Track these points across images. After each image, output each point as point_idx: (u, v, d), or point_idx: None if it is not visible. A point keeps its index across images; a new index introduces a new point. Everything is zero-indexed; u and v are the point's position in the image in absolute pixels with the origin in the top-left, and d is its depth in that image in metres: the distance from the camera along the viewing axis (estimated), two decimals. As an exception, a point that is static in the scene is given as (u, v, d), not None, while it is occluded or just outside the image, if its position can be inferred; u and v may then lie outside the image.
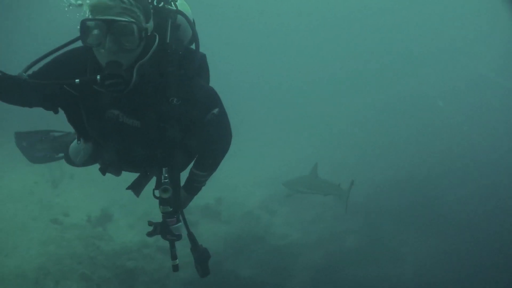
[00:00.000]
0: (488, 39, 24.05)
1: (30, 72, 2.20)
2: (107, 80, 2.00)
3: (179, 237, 2.41)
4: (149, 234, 2.44)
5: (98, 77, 1.99)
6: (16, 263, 5.72)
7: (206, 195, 9.57)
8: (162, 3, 2.26)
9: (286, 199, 8.32)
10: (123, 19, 1.98)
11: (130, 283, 5.97)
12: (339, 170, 12.57)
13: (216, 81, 2.72)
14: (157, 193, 2.38)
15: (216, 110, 2.39)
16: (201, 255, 2.52)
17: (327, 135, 17.45)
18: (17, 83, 2.13)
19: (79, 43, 2.23)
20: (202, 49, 2.44)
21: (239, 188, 10.11)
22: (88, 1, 2.01)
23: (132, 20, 2.00)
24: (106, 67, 2.03)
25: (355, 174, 12.49)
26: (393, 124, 17.17)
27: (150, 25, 2.11)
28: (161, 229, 2.40)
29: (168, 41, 2.23)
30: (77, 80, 2.03)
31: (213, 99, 2.40)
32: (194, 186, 2.67)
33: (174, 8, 2.34)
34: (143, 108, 2.25)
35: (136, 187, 2.69)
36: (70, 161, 3.05)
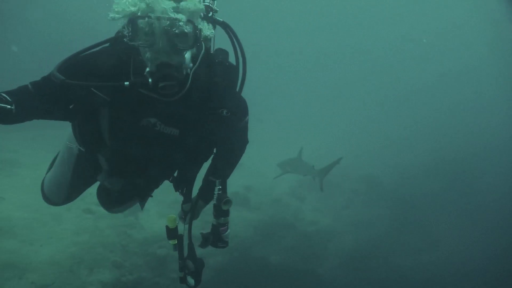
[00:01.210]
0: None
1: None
2: (160, 81, 1.90)
3: (227, 244, 2.38)
4: (203, 246, 2.38)
5: (150, 79, 1.89)
6: (51, 252, 5.87)
7: (235, 183, 9.64)
8: (211, 13, 2.18)
9: (314, 185, 8.26)
10: (180, 17, 1.87)
11: (161, 270, 6.05)
12: (366, 155, 12.41)
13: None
14: (185, 207, 2.42)
15: (247, 118, 2.37)
16: (198, 265, 2.43)
17: (353, 122, 17.24)
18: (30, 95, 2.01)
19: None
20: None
21: (268, 175, 10.06)
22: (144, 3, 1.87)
23: (188, 19, 1.90)
24: (158, 69, 1.91)
25: (383, 159, 12.33)
26: (419, 109, 16.80)
27: (204, 26, 2.01)
28: (214, 238, 2.35)
29: (212, 51, 2.18)
30: (126, 83, 1.92)
31: (247, 107, 2.35)
32: (211, 194, 2.52)
33: (221, 19, 2.23)
34: (187, 117, 2.15)
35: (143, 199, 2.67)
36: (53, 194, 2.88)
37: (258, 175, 9.88)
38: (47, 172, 2.91)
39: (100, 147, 2.30)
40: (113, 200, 2.62)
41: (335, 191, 10.37)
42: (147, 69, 1.95)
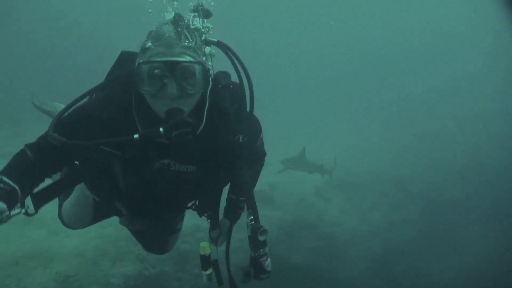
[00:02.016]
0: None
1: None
2: (174, 130, 1.76)
3: (270, 273, 2.18)
4: (244, 281, 2.21)
5: (161, 128, 1.75)
6: (76, 243, 5.99)
7: (259, 181, 9.62)
8: (204, 36, 2.02)
9: (338, 186, 8.22)
10: (187, 60, 1.76)
11: (183, 265, 6.07)
12: (398, 156, 12.17)
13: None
14: (213, 233, 2.34)
15: (262, 134, 2.30)
16: None
17: (384, 121, 17.00)
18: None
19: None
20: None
21: (293, 174, 9.98)
22: (152, 43, 1.76)
23: (197, 60, 1.78)
24: (167, 115, 1.78)
25: (412, 161, 12.05)
26: (452, 109, 16.41)
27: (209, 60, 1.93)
28: (255, 271, 2.16)
29: (213, 75, 2.04)
30: (136, 136, 1.78)
31: (260, 124, 2.25)
32: (237, 213, 2.48)
33: (215, 40, 2.09)
34: (202, 152, 2.03)
35: (171, 233, 2.64)
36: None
37: (283, 174, 9.80)
38: (63, 200, 2.85)
39: (115, 197, 2.21)
40: (148, 244, 2.56)
41: (362, 193, 10.20)
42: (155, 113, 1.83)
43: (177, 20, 1.86)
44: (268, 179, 9.63)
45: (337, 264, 6.83)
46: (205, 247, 2.18)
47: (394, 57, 27.03)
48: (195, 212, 2.42)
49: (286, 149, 9.84)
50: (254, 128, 2.19)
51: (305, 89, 24.78)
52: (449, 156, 12.26)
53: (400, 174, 11.04)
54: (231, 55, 2.12)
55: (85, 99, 2.12)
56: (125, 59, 2.24)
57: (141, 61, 1.78)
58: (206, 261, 2.20)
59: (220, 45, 2.09)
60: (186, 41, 1.79)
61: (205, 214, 2.41)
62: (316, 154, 10.17)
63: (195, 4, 2.10)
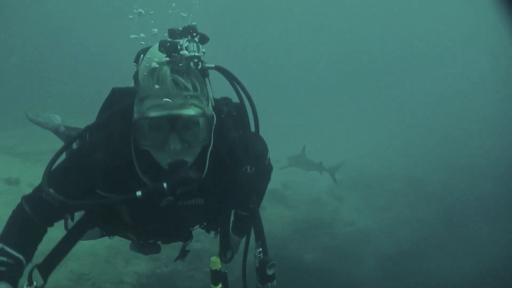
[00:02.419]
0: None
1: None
2: (178, 188, 1.69)
3: None
4: None
5: (165, 184, 1.67)
6: (90, 242, 6.04)
7: (273, 180, 9.59)
8: (200, 65, 1.92)
9: (351, 186, 8.17)
10: (191, 113, 1.64)
11: (196, 264, 6.07)
12: (411, 156, 12.05)
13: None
14: (227, 254, 2.30)
15: (268, 154, 2.21)
16: None
17: (399, 120, 16.87)
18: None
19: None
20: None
21: (307, 173, 9.93)
22: (146, 93, 1.64)
23: (200, 112, 1.67)
24: (170, 169, 1.69)
25: (429, 160, 11.90)
26: (470, 107, 16.19)
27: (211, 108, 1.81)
28: None
29: (213, 104, 1.92)
30: (139, 193, 1.70)
31: (266, 145, 2.15)
32: (245, 227, 2.44)
33: (212, 65, 2.01)
34: (210, 186, 1.94)
35: (183, 255, 2.58)
36: None
37: (297, 173, 9.76)
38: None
39: (121, 231, 2.20)
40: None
41: (376, 192, 10.11)
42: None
43: (175, 62, 1.75)
44: (281, 178, 9.61)
45: (350, 263, 6.77)
46: (216, 262, 2.16)
47: (406, 56, 26.83)
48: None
49: (297, 148, 9.85)
50: (261, 150, 2.11)
51: (316, 88, 24.69)
52: (463, 156, 12.10)
53: (413, 174, 10.92)
54: (232, 79, 2.06)
55: (77, 142, 2.05)
56: (117, 97, 2.13)
57: (139, 116, 1.66)
58: (217, 276, 2.18)
59: (218, 69, 2.03)
60: (187, 89, 1.65)
61: (213, 232, 2.38)
62: (327, 154, 10.13)
63: (186, 26, 2.00)
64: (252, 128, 2.11)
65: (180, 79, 1.65)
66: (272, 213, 8.14)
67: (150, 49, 2.30)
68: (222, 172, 1.96)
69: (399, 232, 7.75)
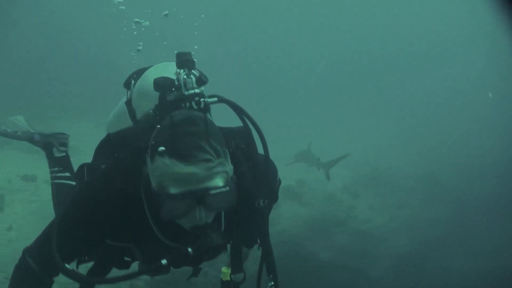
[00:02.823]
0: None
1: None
2: (204, 254, 1.63)
3: None
4: None
5: (190, 249, 1.59)
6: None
7: (288, 177, 9.55)
8: (203, 102, 1.86)
9: (367, 183, 8.11)
10: (218, 184, 1.55)
11: (211, 261, 6.08)
12: (427, 153, 11.89)
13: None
14: (237, 277, 2.19)
15: (278, 175, 2.15)
16: None
17: (411, 119, 16.70)
18: None
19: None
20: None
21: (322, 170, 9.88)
22: (174, 171, 1.51)
23: (227, 178, 1.59)
24: (194, 232, 1.62)
25: (445, 158, 11.73)
26: (483, 106, 15.94)
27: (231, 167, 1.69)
28: None
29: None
30: (164, 262, 1.61)
31: (275, 167, 2.09)
32: (254, 239, 2.32)
33: (215, 98, 1.92)
34: (227, 232, 1.86)
35: (196, 273, 2.50)
36: None
37: (312, 170, 9.71)
38: None
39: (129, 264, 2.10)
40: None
41: (391, 190, 10.00)
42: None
43: (195, 122, 1.61)
44: (295, 175, 9.57)
45: (366, 261, 6.72)
46: (227, 273, 2.13)
47: (418, 53, 26.52)
48: None
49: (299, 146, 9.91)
50: (275, 177, 2.05)
51: (316, 88, 24.55)
52: (480, 154, 11.91)
53: (429, 171, 10.77)
54: (234, 108, 1.95)
55: (78, 192, 1.90)
56: (115, 145, 1.99)
57: (159, 190, 1.55)
58: (226, 286, 2.15)
59: (221, 101, 1.93)
60: (211, 160, 1.54)
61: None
62: (341, 151, 10.06)
63: (181, 54, 1.90)
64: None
65: (202, 146, 1.54)
66: (287, 210, 8.11)
67: (143, 77, 2.21)
68: (237, 213, 1.86)
69: (413, 230, 7.67)
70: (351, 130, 15.54)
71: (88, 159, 2.17)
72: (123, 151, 1.84)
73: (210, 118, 1.83)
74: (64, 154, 3.34)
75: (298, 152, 9.69)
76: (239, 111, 1.94)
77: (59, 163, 3.30)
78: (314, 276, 6.04)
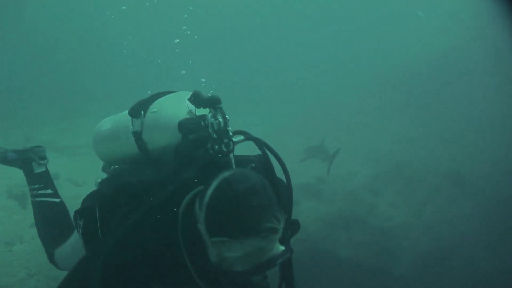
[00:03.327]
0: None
1: None
2: None
3: None
4: None
5: None
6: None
7: (307, 173, 9.45)
8: (232, 145, 1.88)
9: (388, 179, 7.98)
10: (283, 255, 1.55)
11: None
12: (452, 148, 11.61)
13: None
14: None
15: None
16: None
17: (434, 114, 16.34)
18: None
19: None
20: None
21: (342, 166, 9.74)
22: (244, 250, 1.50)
23: (287, 249, 1.59)
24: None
25: (471, 153, 11.43)
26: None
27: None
28: None
29: None
30: None
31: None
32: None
33: (242, 137, 1.94)
34: None
35: None
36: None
37: (332, 166, 9.58)
38: (58, 245, 2.76)
39: None
40: None
41: (414, 186, 9.79)
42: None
43: (257, 192, 1.58)
44: (315, 172, 9.46)
45: (386, 259, 6.61)
46: None
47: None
48: None
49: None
50: (290, 196, 2.03)
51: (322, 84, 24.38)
52: (507, 149, 11.58)
53: (454, 167, 10.50)
54: (261, 145, 1.97)
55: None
56: (141, 195, 2.00)
57: (225, 266, 1.51)
58: None
59: (248, 139, 1.95)
60: (275, 223, 1.54)
61: None
62: (366, 145, 9.92)
63: (210, 97, 1.90)
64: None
65: (269, 218, 1.53)
66: (306, 208, 8.02)
67: (159, 111, 2.19)
68: None
69: (439, 228, 7.48)
70: (370, 124, 15.33)
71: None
72: (156, 208, 1.81)
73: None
74: (44, 169, 3.24)
75: (309, 147, 9.68)
76: (264, 146, 1.96)
77: (40, 179, 3.19)
78: (334, 274, 5.97)
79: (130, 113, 2.30)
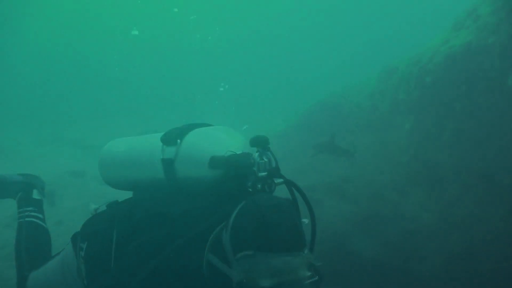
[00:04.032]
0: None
1: None
2: None
3: None
4: None
5: None
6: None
7: (331, 173, 9.33)
8: (274, 186, 1.98)
9: (415, 179, 7.77)
10: (311, 278, 1.58)
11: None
12: (482, 147, 11.26)
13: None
14: None
15: None
16: None
17: (459, 110, 15.88)
18: None
19: None
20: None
21: (368, 165, 9.58)
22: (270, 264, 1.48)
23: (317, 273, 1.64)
24: None
25: (501, 152, 11.09)
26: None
27: None
28: None
29: None
30: None
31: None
32: None
33: (281, 180, 2.04)
34: None
35: None
36: None
37: (357, 165, 9.45)
38: (35, 268, 2.73)
39: None
40: None
41: (442, 186, 9.55)
42: None
43: (283, 210, 1.63)
44: (339, 171, 9.34)
45: (414, 260, 6.45)
46: None
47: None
48: None
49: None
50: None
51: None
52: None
53: (484, 166, 10.17)
54: (299, 191, 2.02)
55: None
56: (180, 224, 2.02)
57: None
58: None
59: (286, 183, 2.02)
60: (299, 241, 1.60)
61: None
62: (389, 144, 9.72)
63: (257, 138, 1.99)
64: None
65: (293, 235, 1.58)
66: (330, 207, 7.93)
67: (196, 145, 2.20)
68: None
69: (468, 229, 7.24)
70: (387, 121, 15.04)
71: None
72: (193, 239, 1.83)
73: None
74: (41, 198, 3.28)
75: (317, 144, 9.79)
76: (296, 189, 2.00)
77: (36, 204, 3.23)
78: (358, 275, 5.85)
79: (163, 140, 2.28)
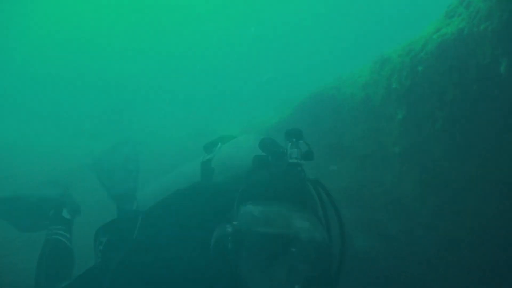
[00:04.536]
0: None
1: None
2: None
3: None
4: None
5: None
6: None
7: (345, 178, 9.18)
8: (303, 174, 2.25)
9: (437, 187, 7.59)
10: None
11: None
12: (501, 156, 11.01)
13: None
14: None
15: None
16: None
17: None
18: None
19: None
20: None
21: (384, 174, 9.41)
22: None
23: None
24: None
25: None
26: None
27: None
28: None
29: None
30: None
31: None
32: None
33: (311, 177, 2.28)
34: None
35: None
36: None
37: (374, 171, 9.28)
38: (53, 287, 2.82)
39: None
40: None
41: (460, 195, 9.33)
42: None
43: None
44: (355, 176, 9.20)
45: (429, 271, 6.33)
46: None
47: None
48: None
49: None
50: None
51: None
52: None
53: (506, 176, 9.90)
54: (326, 193, 2.28)
55: None
56: None
57: None
58: None
59: (316, 183, 2.24)
60: None
61: None
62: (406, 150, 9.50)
63: (292, 130, 2.30)
64: None
65: None
66: (345, 214, 7.80)
67: (234, 156, 2.59)
68: None
69: (492, 240, 7.03)
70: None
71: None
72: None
73: None
74: (71, 218, 3.33)
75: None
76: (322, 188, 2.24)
77: (65, 223, 3.30)
78: (375, 285, 5.76)
79: (205, 148, 2.77)
